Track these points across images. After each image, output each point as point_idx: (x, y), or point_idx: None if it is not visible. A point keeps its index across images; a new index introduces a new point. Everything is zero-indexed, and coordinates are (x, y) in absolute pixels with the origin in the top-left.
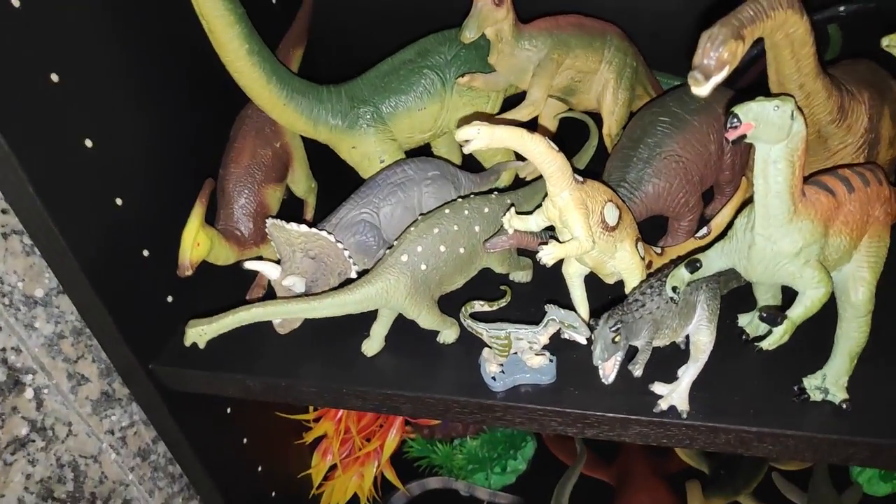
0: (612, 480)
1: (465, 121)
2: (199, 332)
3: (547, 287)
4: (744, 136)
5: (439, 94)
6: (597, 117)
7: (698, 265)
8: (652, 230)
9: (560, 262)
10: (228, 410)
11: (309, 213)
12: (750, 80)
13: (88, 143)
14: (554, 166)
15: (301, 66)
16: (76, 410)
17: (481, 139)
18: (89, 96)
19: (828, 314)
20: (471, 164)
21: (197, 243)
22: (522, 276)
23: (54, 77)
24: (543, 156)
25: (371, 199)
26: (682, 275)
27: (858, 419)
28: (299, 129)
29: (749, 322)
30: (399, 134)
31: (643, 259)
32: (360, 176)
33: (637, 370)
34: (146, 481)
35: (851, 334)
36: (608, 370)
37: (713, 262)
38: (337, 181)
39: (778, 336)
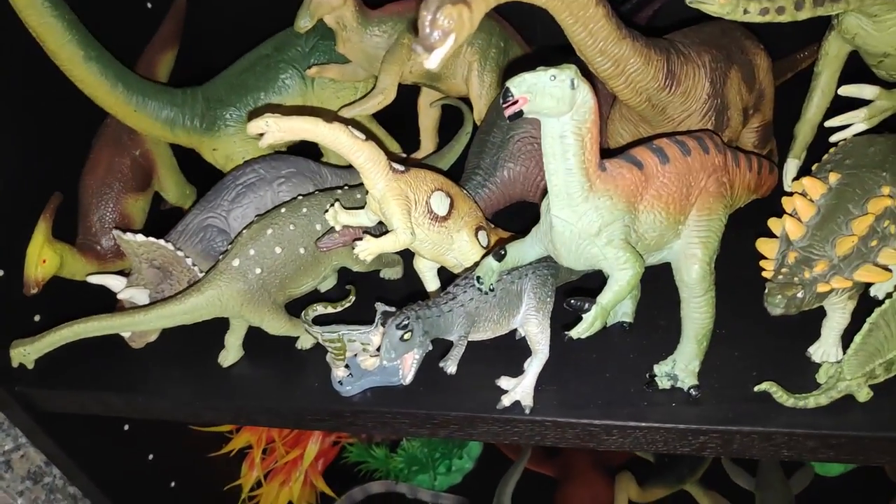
0: (555, 474)
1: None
2: (23, 353)
3: (420, 283)
4: (521, 113)
5: (299, 89)
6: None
7: (503, 253)
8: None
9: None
10: (126, 427)
11: None
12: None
13: None
14: (362, 156)
15: (181, 73)
16: None
17: (272, 132)
18: None
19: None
20: None
21: (42, 260)
22: (392, 272)
23: None
24: (348, 146)
25: (218, 203)
26: (489, 264)
27: (709, 406)
28: (157, 135)
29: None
30: None
31: (486, 248)
32: None
33: (449, 366)
34: (40, 503)
35: (692, 315)
36: (406, 369)
37: (528, 248)
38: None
39: (588, 323)
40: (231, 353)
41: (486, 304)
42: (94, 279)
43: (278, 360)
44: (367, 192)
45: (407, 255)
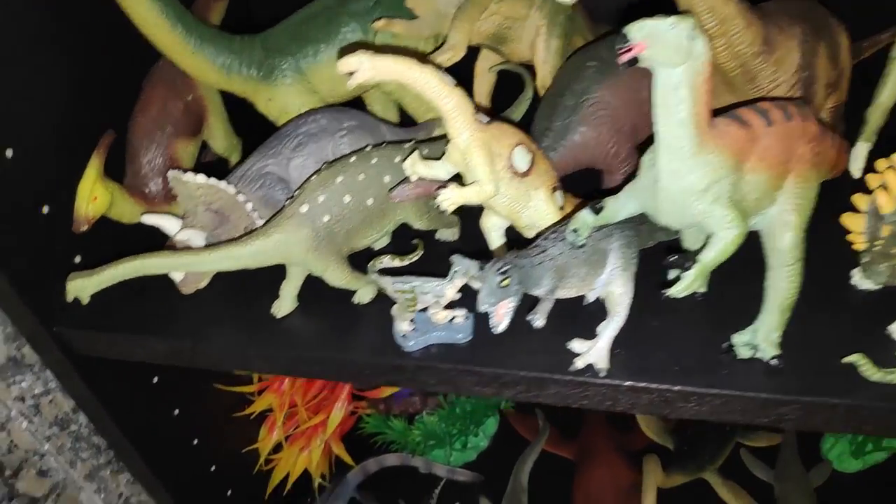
0: (573, 456)
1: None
2: (80, 286)
3: (477, 244)
4: (636, 60)
5: (361, 43)
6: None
7: (600, 207)
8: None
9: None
10: (155, 380)
11: None
12: None
13: None
14: (451, 103)
15: (238, 21)
16: None
17: (365, 70)
18: None
19: (762, 265)
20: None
21: (94, 197)
22: (448, 234)
23: None
24: (437, 91)
25: (279, 151)
26: (584, 217)
27: (790, 377)
28: (211, 81)
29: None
30: (320, 85)
31: (562, 209)
32: None
33: (537, 320)
34: (66, 451)
35: (779, 285)
36: (498, 318)
37: (623, 205)
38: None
39: (687, 282)
40: (286, 302)
41: (574, 259)
42: (149, 219)
43: (333, 312)
44: (442, 143)
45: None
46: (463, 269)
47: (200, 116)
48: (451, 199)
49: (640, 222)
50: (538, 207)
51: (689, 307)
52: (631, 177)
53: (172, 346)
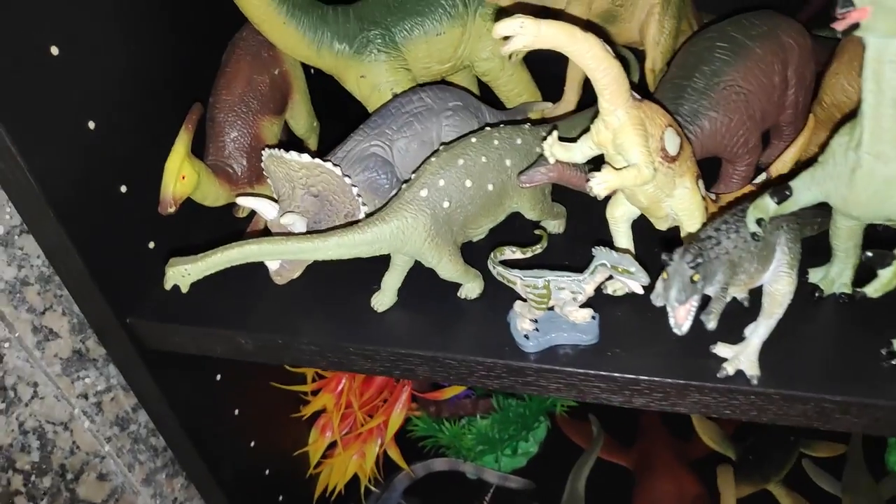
0: (631, 465)
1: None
2: (182, 273)
3: (583, 239)
4: (856, 26)
5: (461, 17)
6: (638, 53)
7: (788, 193)
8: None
9: (601, 206)
10: (218, 377)
11: None
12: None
13: (55, 50)
14: (609, 76)
15: None
16: (43, 369)
17: (525, 35)
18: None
19: None
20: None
21: (182, 176)
22: (554, 225)
23: None
24: (598, 61)
25: (383, 131)
26: (767, 205)
27: None
28: (300, 55)
29: (823, 277)
30: (414, 63)
31: (704, 199)
32: (368, 111)
33: (711, 321)
34: (125, 454)
35: None
36: (681, 318)
37: (801, 193)
38: (342, 122)
39: (886, 279)
40: (387, 296)
41: (747, 253)
42: (245, 201)
43: (437, 307)
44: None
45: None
46: (608, 262)
47: (286, 93)
48: (606, 182)
49: (800, 215)
50: (683, 197)
51: (834, 309)
52: (810, 162)
53: (262, 341)
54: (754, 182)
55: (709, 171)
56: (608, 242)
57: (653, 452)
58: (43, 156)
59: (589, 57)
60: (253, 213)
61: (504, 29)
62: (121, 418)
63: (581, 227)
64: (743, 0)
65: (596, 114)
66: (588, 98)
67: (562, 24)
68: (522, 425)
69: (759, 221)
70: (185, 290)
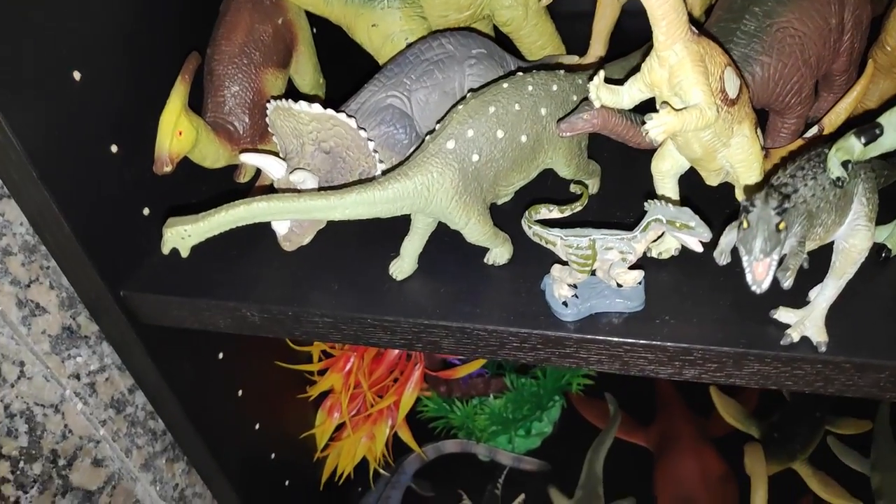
0: (650, 445)
1: None
2: (182, 234)
3: (619, 198)
4: None
5: None
6: None
7: (878, 132)
8: None
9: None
10: (220, 356)
11: None
12: None
13: None
14: (668, 4)
15: None
16: (30, 347)
17: None
18: None
19: None
20: None
21: (178, 131)
22: (590, 184)
23: None
24: None
25: (401, 80)
26: (852, 145)
27: None
28: (306, 3)
29: (889, 235)
30: (430, 11)
31: (764, 150)
32: (379, 65)
33: (788, 279)
34: (121, 438)
35: None
36: (761, 274)
37: (889, 133)
38: (348, 80)
39: None
40: (407, 262)
41: (825, 203)
42: (249, 158)
43: (461, 274)
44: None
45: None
46: (664, 217)
47: (290, 44)
48: (666, 124)
49: (873, 164)
50: (741, 145)
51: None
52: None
53: (270, 313)
54: (804, 136)
55: None
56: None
57: (673, 431)
58: (23, 110)
59: None
60: (257, 174)
61: None
62: (116, 400)
63: (617, 183)
64: None
65: (644, 55)
66: (614, 53)
67: None
68: (536, 405)
69: (844, 164)
70: (185, 254)
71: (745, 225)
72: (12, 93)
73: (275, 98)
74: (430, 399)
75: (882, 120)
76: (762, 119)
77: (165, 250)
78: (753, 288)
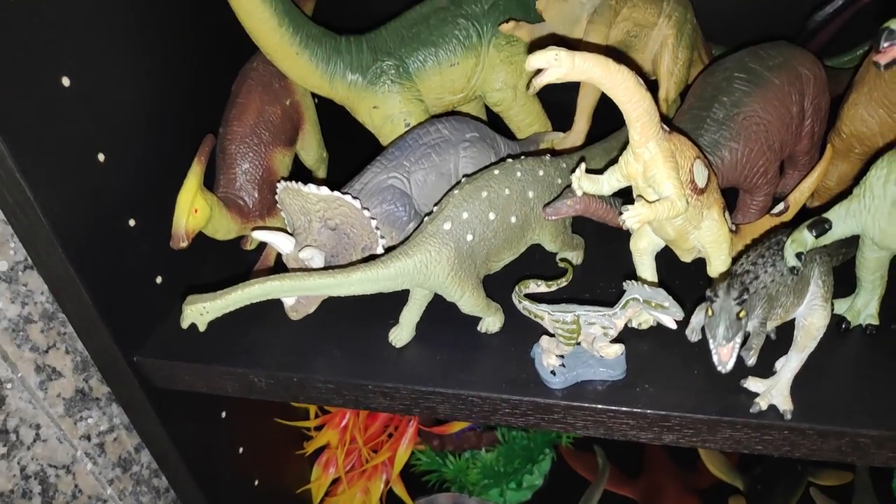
0: (638, 496)
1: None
2: (201, 310)
3: (601, 271)
4: None
5: (474, 48)
6: (650, 83)
7: (827, 227)
8: None
9: (616, 243)
10: (223, 415)
11: None
12: (823, 41)
13: (66, 80)
14: (641, 108)
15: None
16: (45, 410)
17: (560, 67)
18: (69, 23)
19: None
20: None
21: (194, 209)
22: (573, 256)
23: None
24: (631, 94)
25: (401, 162)
26: (805, 238)
27: None
28: (312, 85)
29: (848, 308)
30: (427, 94)
31: (732, 232)
32: (380, 143)
33: (751, 358)
34: (127, 496)
35: None
36: (726, 355)
37: (837, 225)
38: (350, 153)
39: None
40: (405, 331)
41: (784, 287)
42: (261, 235)
43: (455, 342)
44: (572, 160)
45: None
46: (641, 296)
47: (297, 123)
48: (640, 215)
49: (828, 247)
50: (710, 228)
51: (861, 340)
52: (843, 195)
53: (276, 379)
54: (772, 212)
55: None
56: (629, 272)
57: (660, 483)
58: (51, 188)
59: (622, 89)
60: (262, 245)
61: (537, 61)
62: (123, 459)
63: (599, 257)
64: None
65: (617, 145)
66: (597, 128)
67: (596, 56)
68: (527, 458)
69: (798, 255)
70: (202, 328)
71: (709, 313)
72: (43, 173)
73: (283, 178)
74: (423, 453)
75: (831, 215)
76: (733, 196)
77: (184, 325)
78: (719, 368)
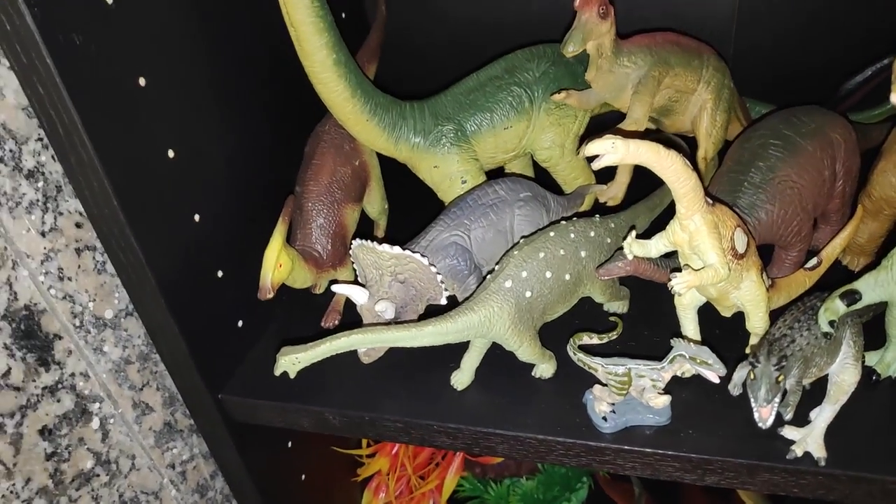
0: None
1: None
2: (293, 361)
3: (644, 318)
4: None
5: (526, 112)
6: (689, 140)
7: (857, 297)
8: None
9: (658, 293)
10: (290, 444)
11: (380, 235)
12: (853, 104)
13: (171, 153)
14: (688, 186)
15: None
16: (140, 442)
17: (616, 153)
18: (175, 104)
19: None
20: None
21: (279, 264)
22: (619, 305)
23: (142, 81)
24: (679, 174)
25: (462, 221)
26: (837, 307)
27: None
28: (380, 147)
29: (878, 360)
30: (482, 153)
31: (768, 290)
32: (438, 196)
33: (788, 413)
34: None
35: None
36: (766, 414)
37: (864, 293)
38: (406, 202)
39: None
40: (466, 375)
41: (818, 349)
42: (340, 289)
43: (511, 386)
44: (620, 223)
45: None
46: (687, 353)
47: (364, 181)
48: (687, 282)
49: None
50: (749, 289)
51: (891, 391)
52: (872, 265)
53: (349, 417)
54: (805, 267)
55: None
56: (671, 320)
57: None
58: (157, 246)
59: (671, 171)
60: (328, 288)
61: (596, 148)
62: (200, 485)
63: (644, 307)
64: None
65: (659, 202)
66: (636, 179)
67: (648, 143)
68: (566, 486)
69: (830, 322)
70: (293, 376)
71: (751, 377)
72: (150, 233)
73: (359, 237)
74: (466, 479)
75: (860, 284)
76: (769, 250)
77: (277, 372)
78: (760, 425)
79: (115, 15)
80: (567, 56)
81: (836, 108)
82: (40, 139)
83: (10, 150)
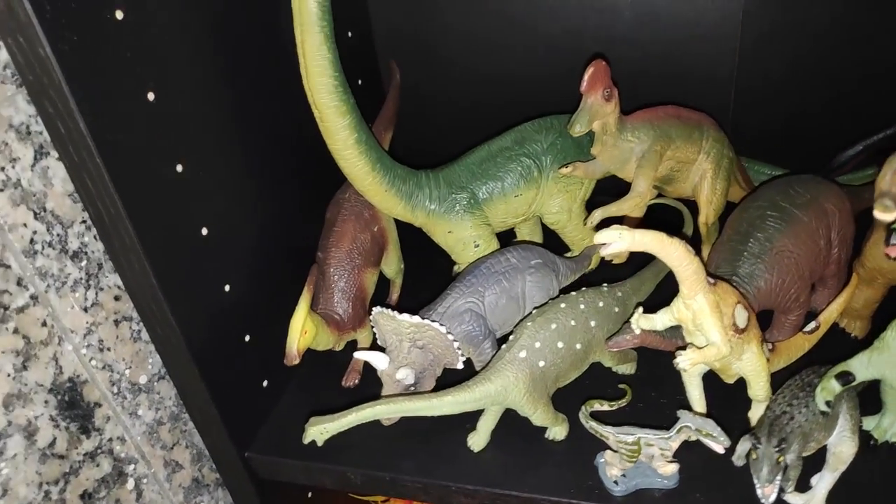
0: None
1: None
2: (322, 430)
3: (651, 379)
4: None
5: (535, 181)
6: (690, 205)
7: (851, 378)
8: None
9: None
10: (310, 495)
11: (395, 294)
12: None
13: (205, 231)
14: (690, 269)
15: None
16: (171, 499)
17: (622, 243)
18: (209, 186)
19: None
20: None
21: (304, 331)
22: (627, 367)
23: (179, 168)
24: (681, 259)
25: (476, 288)
26: (833, 387)
27: None
28: (398, 214)
29: (875, 426)
30: (494, 218)
31: (768, 360)
32: (451, 258)
33: (789, 487)
34: None
35: None
36: (769, 491)
37: (858, 373)
38: (419, 262)
39: None
40: (482, 436)
41: (816, 424)
42: (361, 355)
43: (525, 447)
44: (627, 291)
45: None
46: (692, 425)
47: (382, 246)
48: (692, 360)
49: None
50: (750, 360)
51: (888, 455)
52: (865, 344)
53: (369, 477)
54: (804, 330)
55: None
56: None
57: None
58: (190, 315)
59: (674, 257)
60: (348, 346)
61: (604, 238)
62: None
63: (650, 370)
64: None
65: (664, 267)
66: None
67: (653, 232)
68: None
69: (827, 402)
70: (320, 444)
71: (753, 456)
72: (184, 303)
73: (368, 299)
74: None
75: (854, 364)
76: (769, 314)
77: (306, 441)
78: (763, 501)
79: (155, 108)
80: (575, 135)
81: (830, 177)
82: (83, 221)
83: (58, 234)
